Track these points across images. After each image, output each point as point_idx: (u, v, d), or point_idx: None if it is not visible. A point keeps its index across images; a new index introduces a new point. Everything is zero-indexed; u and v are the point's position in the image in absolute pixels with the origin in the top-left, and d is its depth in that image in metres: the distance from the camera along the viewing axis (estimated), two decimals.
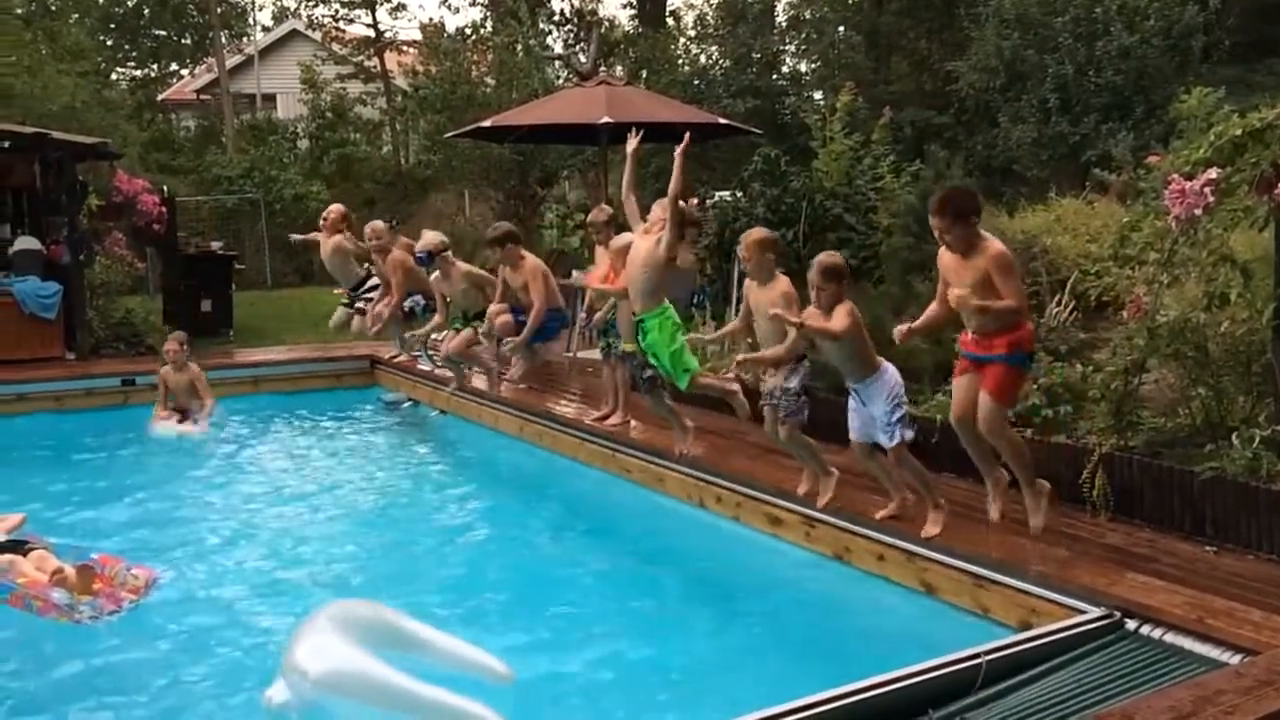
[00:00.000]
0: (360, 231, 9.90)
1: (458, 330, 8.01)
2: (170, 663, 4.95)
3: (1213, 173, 5.42)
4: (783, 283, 5.90)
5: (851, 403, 5.69)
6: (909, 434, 5.58)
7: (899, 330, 5.50)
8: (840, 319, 5.44)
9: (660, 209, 6.58)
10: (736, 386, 6.93)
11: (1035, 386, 6.53)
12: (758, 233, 6.03)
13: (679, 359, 6.56)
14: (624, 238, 7.07)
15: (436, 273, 8.28)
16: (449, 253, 8.15)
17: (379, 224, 9.32)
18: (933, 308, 5.62)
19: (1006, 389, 5.37)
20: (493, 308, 7.58)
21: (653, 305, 6.54)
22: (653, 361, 6.71)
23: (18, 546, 5.74)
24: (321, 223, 10.44)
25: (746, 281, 6.10)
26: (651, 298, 6.50)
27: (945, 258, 5.44)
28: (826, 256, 5.66)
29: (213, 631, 5.26)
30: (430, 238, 8.47)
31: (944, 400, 7.11)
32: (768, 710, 3.63)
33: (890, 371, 5.66)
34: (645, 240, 6.50)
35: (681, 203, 6.47)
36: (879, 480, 5.86)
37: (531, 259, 7.38)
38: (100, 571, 5.49)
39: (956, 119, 18.89)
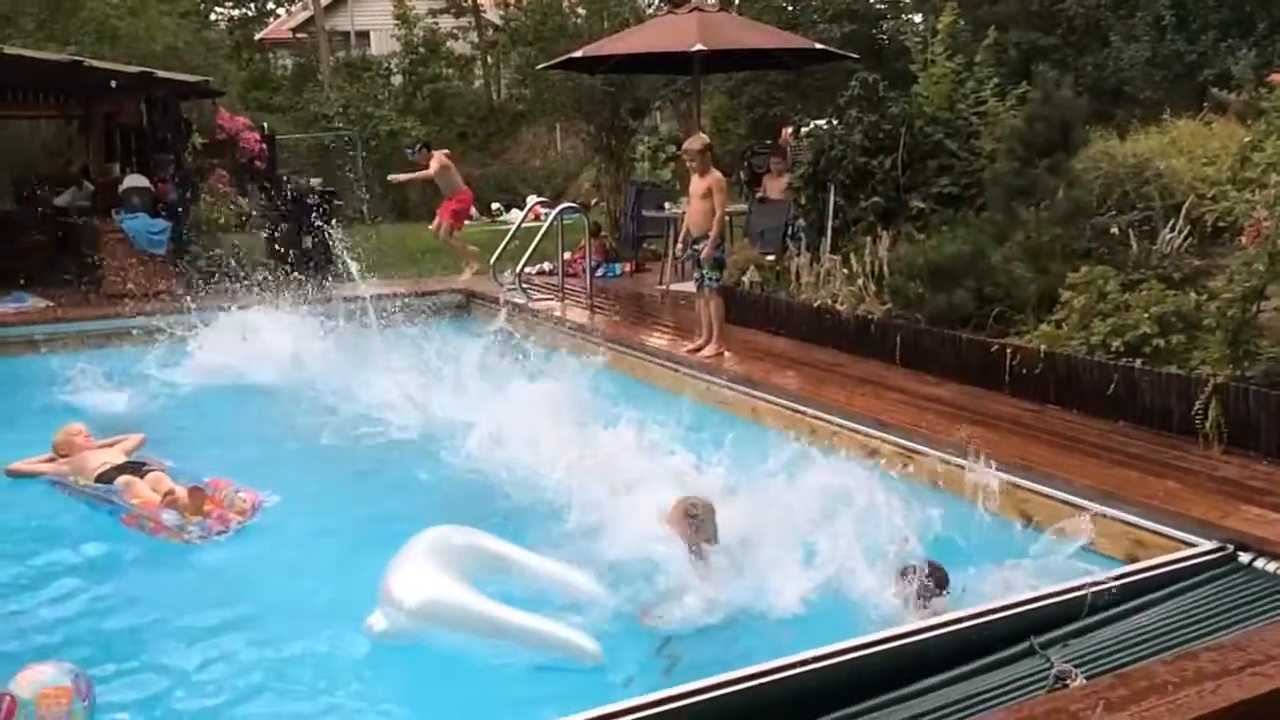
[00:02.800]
0: None
1: None
2: (272, 584, 5.10)
3: None
4: None
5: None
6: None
7: None
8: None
9: None
10: None
11: (1147, 315, 6.30)
12: None
13: None
14: None
15: None
16: None
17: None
18: None
19: None
20: None
21: None
22: None
23: (136, 468, 6.00)
24: None
25: None
26: None
27: None
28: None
29: (317, 553, 5.39)
30: None
31: (1047, 330, 6.95)
32: (873, 635, 3.64)
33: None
34: None
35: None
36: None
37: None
38: (210, 494, 5.69)
39: (1065, 39, 18.09)
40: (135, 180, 12.44)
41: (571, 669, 4.16)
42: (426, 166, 12.92)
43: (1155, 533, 4.74)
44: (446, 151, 13.59)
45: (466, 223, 13.00)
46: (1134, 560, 4.63)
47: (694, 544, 4.85)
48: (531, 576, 4.74)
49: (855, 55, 13.59)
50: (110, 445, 6.47)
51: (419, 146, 13.74)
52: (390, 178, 14.20)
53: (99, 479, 5.98)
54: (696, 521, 4.88)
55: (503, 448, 6.71)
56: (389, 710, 4.10)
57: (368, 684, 4.21)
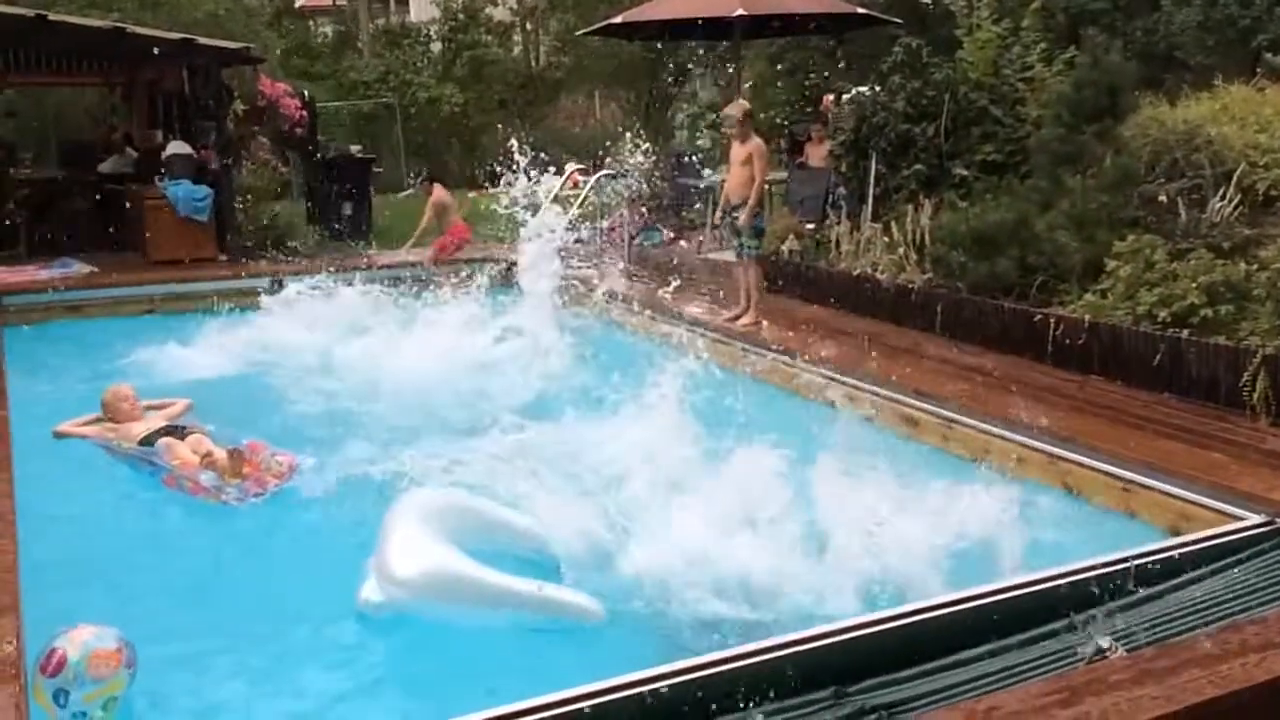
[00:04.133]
0: None
1: None
2: (306, 546, 5.13)
3: None
4: None
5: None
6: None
7: None
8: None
9: None
10: None
11: (1195, 285, 6.19)
12: None
13: None
14: None
15: None
16: None
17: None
18: None
19: None
20: None
21: None
22: None
23: (177, 431, 6.08)
24: None
25: None
26: None
27: None
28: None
29: (353, 516, 5.36)
30: None
31: (1092, 300, 6.85)
32: (911, 605, 3.62)
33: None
34: None
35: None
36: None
37: None
38: (248, 457, 5.74)
39: (1114, 3, 17.69)
40: (178, 147, 12.53)
41: (575, 629, 4.15)
42: (429, 197, 12.62)
43: (1200, 506, 4.67)
44: (439, 187, 13.20)
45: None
46: (1178, 533, 4.57)
47: None
48: (510, 532, 4.72)
49: (899, 20, 13.41)
50: (158, 407, 6.58)
51: (421, 180, 13.26)
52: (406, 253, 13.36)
53: (142, 442, 6.07)
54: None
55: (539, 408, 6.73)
56: (409, 667, 4.15)
57: (392, 641, 4.24)
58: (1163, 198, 7.32)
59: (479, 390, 7.59)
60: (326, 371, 8.15)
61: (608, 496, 5.07)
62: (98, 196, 14.12)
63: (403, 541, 4.35)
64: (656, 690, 3.05)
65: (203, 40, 12.24)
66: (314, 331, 9.13)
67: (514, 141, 9.41)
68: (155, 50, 11.89)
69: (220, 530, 5.37)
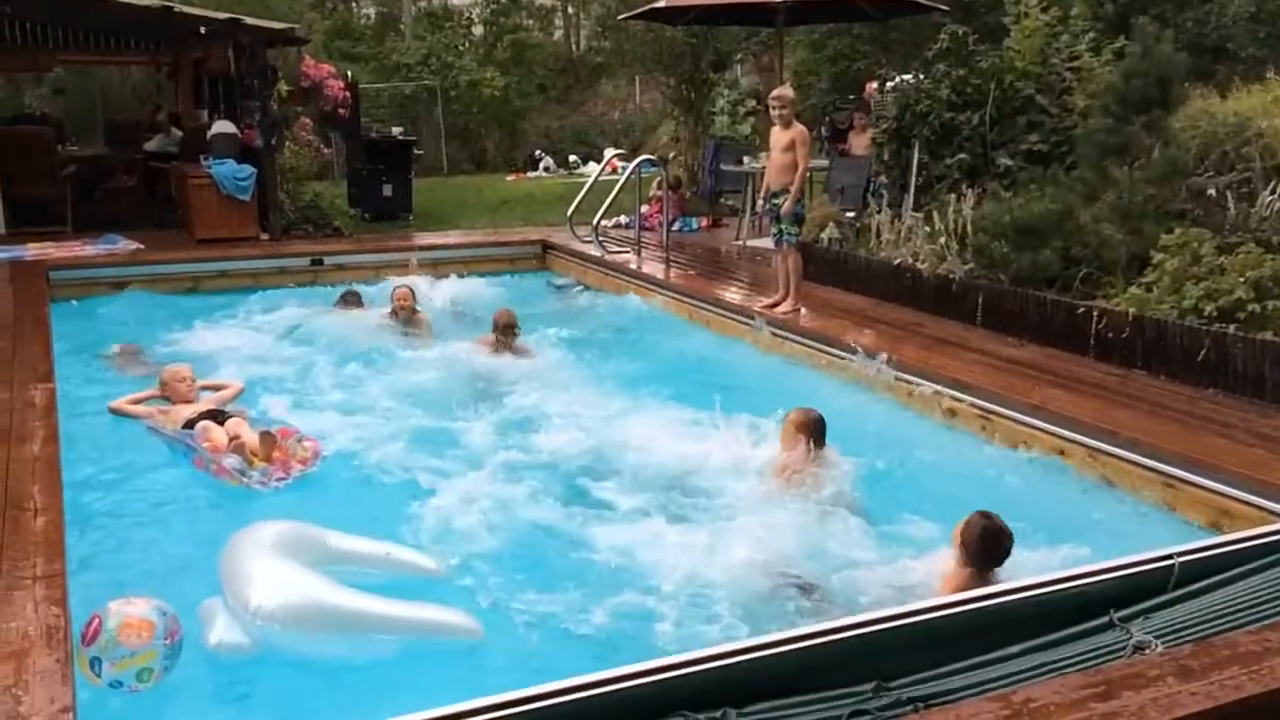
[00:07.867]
0: None
1: None
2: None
3: None
4: None
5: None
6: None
7: None
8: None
9: None
10: None
11: (1243, 279, 6.10)
12: None
13: None
14: None
15: None
16: None
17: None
18: None
19: None
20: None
21: None
22: None
23: (216, 415, 6.15)
24: None
25: None
26: None
27: None
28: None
29: (370, 505, 5.38)
30: None
31: (1137, 293, 6.76)
32: (948, 598, 3.60)
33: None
34: None
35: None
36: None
37: None
38: (278, 441, 5.78)
39: None
40: (222, 126, 12.65)
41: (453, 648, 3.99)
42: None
43: (1244, 503, 4.61)
44: None
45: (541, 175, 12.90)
46: (1218, 529, 4.52)
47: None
48: (360, 560, 4.50)
49: (944, 7, 13.24)
50: (213, 388, 6.71)
51: None
52: None
53: (185, 426, 6.17)
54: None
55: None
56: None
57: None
58: (1211, 191, 7.21)
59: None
60: (357, 353, 8.16)
61: None
62: (143, 174, 14.31)
63: (260, 572, 4.08)
64: (686, 676, 3.04)
65: (249, 20, 12.33)
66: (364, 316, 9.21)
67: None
68: (202, 29, 11.99)
69: (239, 511, 5.37)
